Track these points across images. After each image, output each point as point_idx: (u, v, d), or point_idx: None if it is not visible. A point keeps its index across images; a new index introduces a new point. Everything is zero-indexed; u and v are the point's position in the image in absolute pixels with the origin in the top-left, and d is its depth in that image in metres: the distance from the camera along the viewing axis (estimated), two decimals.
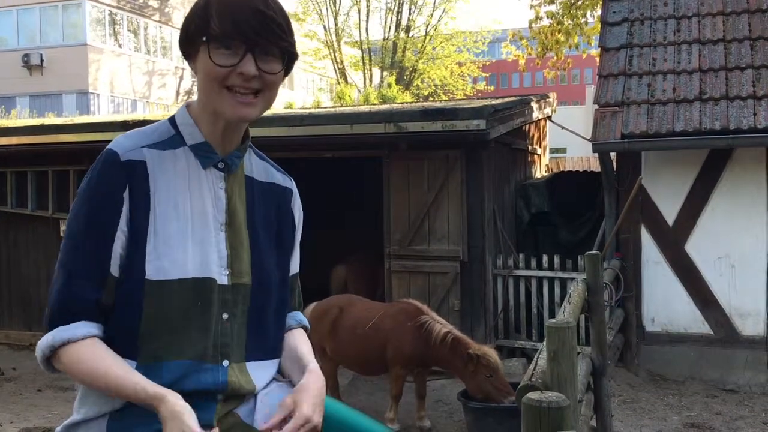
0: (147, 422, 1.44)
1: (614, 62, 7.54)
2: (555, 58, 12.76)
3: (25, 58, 27.48)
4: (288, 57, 1.53)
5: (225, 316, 1.55)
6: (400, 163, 7.49)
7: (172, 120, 1.60)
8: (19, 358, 8.38)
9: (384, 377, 6.40)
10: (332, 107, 17.35)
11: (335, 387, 6.30)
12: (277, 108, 24.15)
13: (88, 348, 1.45)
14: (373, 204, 7.98)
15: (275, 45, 1.48)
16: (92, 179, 1.49)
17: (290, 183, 1.75)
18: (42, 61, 27.55)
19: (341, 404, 1.78)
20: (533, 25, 12.52)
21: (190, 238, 1.51)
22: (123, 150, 1.50)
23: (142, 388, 1.42)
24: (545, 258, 7.53)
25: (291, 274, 1.72)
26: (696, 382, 6.98)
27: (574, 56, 14.14)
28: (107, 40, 27.86)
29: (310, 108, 16.92)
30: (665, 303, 7.26)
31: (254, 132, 6.83)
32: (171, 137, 1.56)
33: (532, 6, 12.51)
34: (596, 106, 7.33)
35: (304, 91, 38.63)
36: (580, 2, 12.20)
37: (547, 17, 12.35)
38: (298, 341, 1.72)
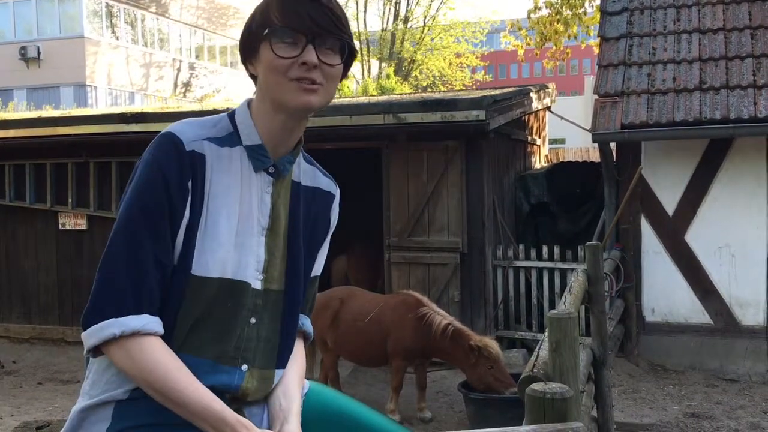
0: (152, 412, 1.44)
1: (614, 52, 7.52)
2: (554, 48, 12.72)
3: (22, 51, 27.37)
4: (348, 51, 1.53)
5: (253, 320, 1.55)
6: (399, 154, 7.48)
7: (231, 116, 1.58)
8: (20, 351, 8.38)
9: (384, 369, 6.41)
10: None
11: (336, 378, 6.30)
12: None
13: (161, 345, 1.43)
14: (374, 195, 7.96)
15: (335, 37, 1.49)
16: (161, 161, 1.45)
17: (334, 188, 1.74)
18: (39, 53, 27.44)
19: (346, 397, 1.77)
20: (532, 15, 12.48)
21: (234, 239, 1.51)
22: (187, 139, 1.48)
23: (210, 405, 1.41)
24: (545, 249, 7.52)
25: (311, 276, 1.71)
26: (696, 371, 6.99)
27: (572, 46, 14.09)
28: (104, 33, 27.75)
29: None
30: (665, 293, 7.26)
31: None
32: (229, 134, 1.55)
33: None
34: (596, 96, 7.31)
35: None
36: None
37: (546, 7, 12.31)
38: (290, 373, 1.66)
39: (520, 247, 7.66)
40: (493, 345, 5.54)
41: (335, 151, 8.26)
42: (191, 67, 30.59)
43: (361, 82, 29.03)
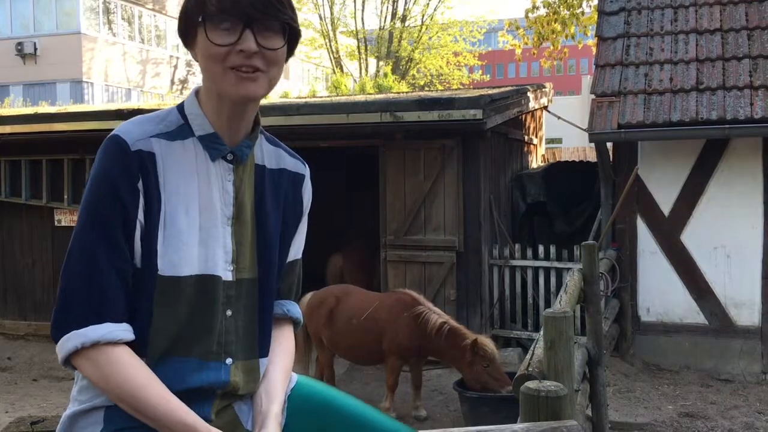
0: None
1: (611, 52, 7.52)
2: (551, 48, 12.72)
3: (19, 47, 27.30)
4: (290, 32, 1.47)
5: (229, 312, 1.52)
6: (396, 152, 7.48)
7: (180, 108, 1.53)
8: (15, 347, 8.37)
9: (380, 367, 6.41)
10: (328, 97, 17.29)
11: (331, 377, 6.30)
12: (274, 98, 24.07)
13: (128, 355, 1.40)
14: (370, 193, 7.96)
15: (274, 19, 1.42)
16: (107, 167, 1.42)
17: (302, 168, 1.69)
18: (36, 49, 27.38)
19: (335, 389, 1.75)
20: (530, 14, 12.49)
21: (197, 233, 1.47)
22: (131, 139, 1.44)
23: (182, 419, 1.38)
24: (541, 248, 7.53)
25: (290, 260, 1.67)
26: (691, 371, 7.01)
27: (570, 46, 14.10)
28: (101, 29, 27.69)
29: (306, 98, 16.86)
30: (661, 293, 7.28)
31: None
32: (179, 127, 1.50)
33: None
34: (593, 96, 7.32)
35: (300, 81, 38.50)
36: None
37: (544, 6, 12.31)
38: (275, 367, 1.62)
39: (517, 246, 7.66)
40: (488, 343, 5.54)
41: (332, 150, 8.29)
42: (188, 64, 30.53)
43: (359, 81, 29.01)
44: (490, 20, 34.77)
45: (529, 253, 7.57)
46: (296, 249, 1.68)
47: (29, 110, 10.93)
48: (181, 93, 29.27)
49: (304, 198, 1.69)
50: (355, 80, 31.22)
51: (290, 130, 7.40)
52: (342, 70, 32.07)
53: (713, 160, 7.05)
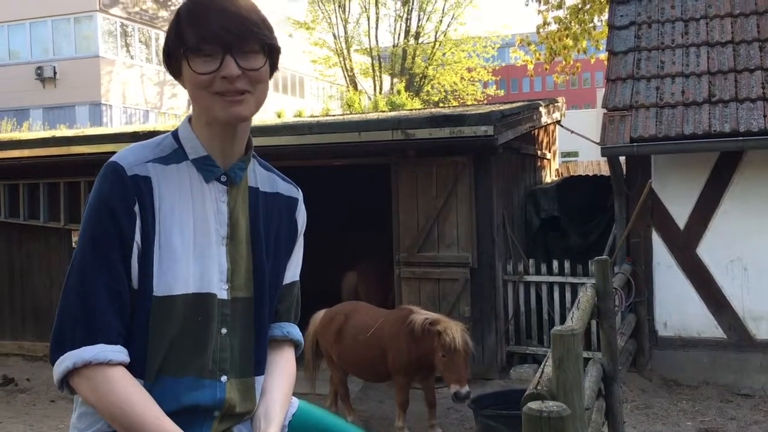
0: None
1: (622, 66, 7.52)
2: (564, 62, 12.73)
3: (39, 71, 27.76)
4: (269, 50, 1.51)
5: (224, 330, 1.55)
6: (408, 169, 7.50)
7: (175, 134, 1.59)
8: (33, 368, 8.43)
9: (392, 384, 6.38)
10: (340, 115, 17.37)
11: (345, 394, 6.27)
12: (287, 117, 24.21)
13: (123, 376, 1.42)
14: (384, 210, 7.98)
15: (252, 41, 1.47)
16: (104, 191, 1.47)
17: (296, 192, 1.73)
18: (55, 73, 27.83)
19: (335, 417, 1.76)
20: (541, 30, 12.51)
21: (191, 253, 1.51)
22: (128, 164, 1.49)
23: None
24: (555, 263, 7.49)
25: (288, 282, 1.70)
26: (710, 386, 6.92)
27: (583, 60, 14.10)
28: (119, 52, 28.10)
29: (318, 116, 16.97)
30: (678, 307, 7.21)
31: (263, 141, 6.91)
32: (174, 151, 1.56)
33: (539, 11, 12.49)
34: (604, 110, 7.31)
35: (314, 98, 38.76)
36: (588, 7, 12.16)
37: (555, 22, 12.34)
38: (275, 390, 1.64)
39: (531, 261, 7.64)
40: (453, 332, 5.25)
41: (345, 168, 8.33)
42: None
43: (373, 98, 29.15)
44: (504, 35, 34.87)
45: (544, 268, 7.54)
46: (293, 271, 1.71)
47: (47, 133, 11.10)
48: None
49: (298, 221, 1.72)
50: (369, 98, 31.37)
51: (302, 149, 7.46)
52: (356, 88, 32.27)
53: (727, 173, 7.00)
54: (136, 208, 1.47)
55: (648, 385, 6.97)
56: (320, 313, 6.32)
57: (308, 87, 39.42)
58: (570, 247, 8.20)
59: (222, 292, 1.54)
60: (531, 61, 13.45)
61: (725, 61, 7.16)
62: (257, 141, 6.68)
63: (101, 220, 1.46)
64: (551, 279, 7.48)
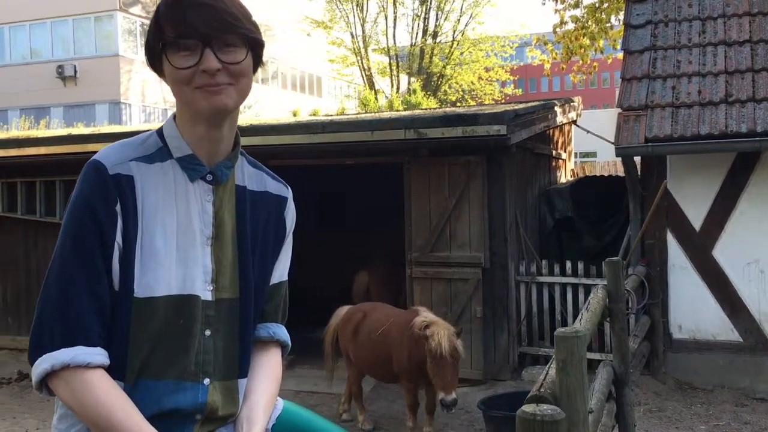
0: None
1: (638, 65, 7.43)
2: (581, 62, 12.63)
3: (59, 69, 28.06)
4: (251, 43, 1.49)
5: (208, 332, 1.52)
6: (420, 169, 7.47)
7: (160, 131, 1.56)
8: None
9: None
10: (354, 114, 17.36)
11: (358, 394, 6.25)
12: (302, 115, 24.25)
13: (102, 379, 1.40)
14: (397, 210, 7.96)
15: (232, 34, 1.45)
16: (85, 191, 1.45)
17: (285, 190, 1.70)
18: (75, 72, 28.11)
19: (322, 419, 1.72)
20: (557, 29, 12.41)
21: (174, 254, 1.48)
22: (110, 163, 1.46)
23: None
24: (569, 264, 7.43)
25: (275, 282, 1.67)
26: (725, 390, 6.83)
27: (599, 60, 13.98)
28: (138, 51, 28.30)
29: (333, 115, 16.98)
30: (693, 310, 7.12)
31: (276, 140, 6.88)
32: (158, 149, 1.53)
33: (556, 11, 12.41)
34: (619, 110, 7.23)
35: (331, 98, 38.81)
36: (605, 6, 12.05)
37: (572, 21, 12.24)
38: (258, 392, 1.61)
39: (544, 262, 7.58)
40: (440, 338, 5.10)
41: (357, 167, 8.31)
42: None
43: (389, 98, 29.13)
44: (522, 35, 34.68)
45: (557, 269, 7.48)
46: (281, 271, 1.68)
47: (64, 131, 11.19)
48: None
49: (287, 220, 1.69)
50: (386, 97, 31.36)
51: (315, 147, 7.46)
52: (373, 88, 32.25)
53: (744, 174, 6.90)
54: (118, 207, 1.44)
55: (662, 389, 6.89)
56: (343, 309, 6.36)
57: (326, 86, 39.48)
58: (584, 248, 8.14)
59: (206, 294, 1.52)
60: (548, 61, 13.36)
61: (743, 61, 7.06)
62: (270, 140, 6.76)
63: (81, 219, 1.43)
64: (564, 280, 7.42)
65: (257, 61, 1.53)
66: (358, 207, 10.43)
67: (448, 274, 7.36)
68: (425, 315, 5.53)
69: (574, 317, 7.23)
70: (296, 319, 8.22)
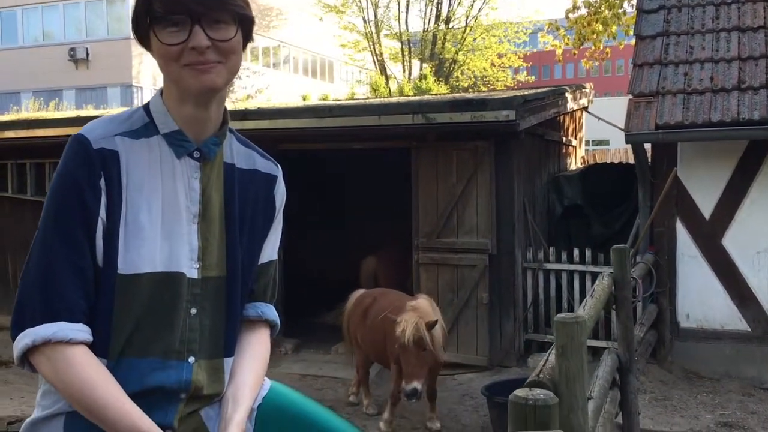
0: None
1: (650, 51, 7.34)
2: (593, 48, 12.49)
3: (72, 52, 28.13)
4: (241, 20, 1.46)
5: (193, 310, 1.50)
6: (428, 154, 7.43)
7: (146, 107, 1.54)
8: None
9: None
10: (364, 99, 17.30)
11: (364, 378, 6.26)
12: (312, 100, 24.18)
13: (84, 355, 1.38)
14: (404, 195, 7.94)
15: (222, 10, 1.42)
16: (69, 165, 1.43)
17: (275, 169, 1.67)
18: (87, 54, 28.17)
19: (309, 400, 1.70)
20: (570, 14, 12.27)
21: (160, 230, 1.46)
22: (94, 138, 1.44)
23: (135, 424, 1.35)
24: (576, 252, 7.38)
25: (264, 261, 1.65)
26: (732, 380, 6.78)
27: (613, 47, 13.83)
28: None
29: (342, 100, 16.93)
30: (701, 298, 7.07)
31: (284, 123, 6.86)
32: (144, 125, 1.50)
33: None
34: (630, 96, 7.15)
35: (343, 83, 38.70)
36: None
37: (585, 6, 12.10)
38: (245, 372, 1.59)
39: (551, 249, 7.53)
40: (405, 326, 5.04)
41: (364, 151, 8.28)
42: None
43: (400, 83, 29.03)
44: (536, 21, 34.37)
45: (564, 256, 7.43)
46: (270, 250, 1.66)
47: (73, 113, 11.20)
48: (227, 96, 29.62)
49: (276, 199, 1.66)
50: (398, 82, 31.23)
51: (322, 131, 7.42)
52: (385, 73, 32.11)
53: (756, 162, 6.82)
54: (102, 182, 1.42)
55: (668, 377, 6.86)
56: (357, 293, 6.37)
57: (337, 71, 39.35)
58: (593, 235, 8.08)
59: (192, 272, 1.50)
60: (560, 46, 13.23)
61: (757, 47, 6.95)
62: (278, 123, 6.73)
63: (65, 194, 1.41)
64: (572, 267, 7.38)
65: (247, 38, 1.50)
66: (365, 192, 10.39)
67: (455, 260, 7.34)
68: (417, 302, 5.47)
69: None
70: (302, 304, 8.24)
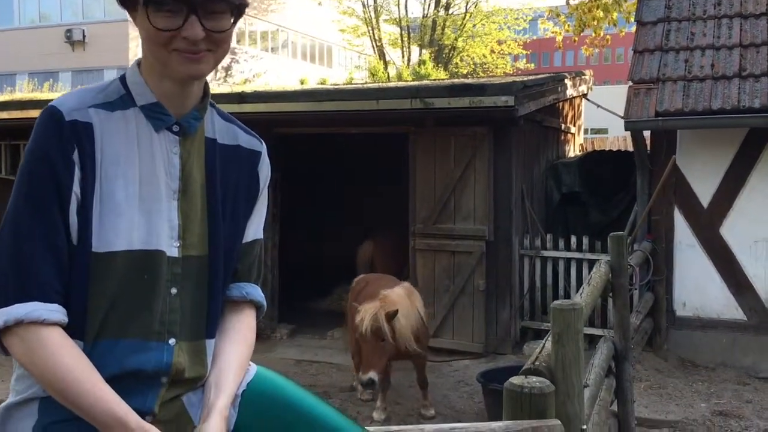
0: None
1: (650, 37, 7.27)
2: (593, 35, 12.40)
3: (68, 34, 27.91)
4: (236, 10, 1.41)
5: (174, 290, 1.44)
6: (426, 139, 7.37)
7: (123, 78, 1.46)
8: None
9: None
10: (362, 83, 17.20)
11: (359, 363, 6.22)
12: (309, 84, 24.05)
13: (59, 337, 1.32)
14: (400, 181, 7.89)
15: (220, 1, 1.36)
16: (40, 137, 1.36)
17: (258, 145, 1.61)
18: (84, 36, 27.95)
19: (295, 385, 1.63)
20: (570, 0, 12.18)
21: (137, 207, 1.40)
22: (67, 109, 1.37)
23: (111, 409, 1.30)
24: (573, 239, 7.35)
25: (248, 240, 1.60)
26: (727, 368, 6.78)
27: (614, 34, 13.73)
28: None
29: (340, 84, 16.83)
30: (697, 287, 7.05)
31: (281, 107, 6.81)
32: (120, 97, 1.43)
33: None
34: (630, 83, 7.10)
35: (341, 68, 38.50)
36: None
37: None
38: (229, 357, 1.52)
39: (548, 236, 7.50)
40: (362, 315, 4.95)
41: (362, 136, 8.22)
42: (232, 52, 30.76)
43: (399, 68, 28.88)
44: (536, 8, 34.17)
45: (561, 243, 7.40)
46: (254, 228, 1.60)
47: None
48: (225, 80, 29.52)
49: (260, 175, 1.60)
50: (397, 68, 31.09)
51: (320, 115, 7.36)
52: (384, 59, 31.94)
53: (755, 150, 6.78)
54: (75, 156, 1.35)
55: (663, 365, 6.84)
56: (358, 277, 6.41)
57: (336, 56, 39.14)
58: (591, 223, 8.05)
59: (172, 250, 1.43)
60: (560, 33, 13.13)
61: (758, 34, 6.89)
62: (275, 107, 6.65)
63: (37, 168, 1.35)
64: (569, 255, 7.35)
65: (236, 22, 1.44)
66: (364, 177, 10.34)
67: (452, 247, 7.30)
68: (392, 290, 5.37)
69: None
70: (298, 289, 8.20)
